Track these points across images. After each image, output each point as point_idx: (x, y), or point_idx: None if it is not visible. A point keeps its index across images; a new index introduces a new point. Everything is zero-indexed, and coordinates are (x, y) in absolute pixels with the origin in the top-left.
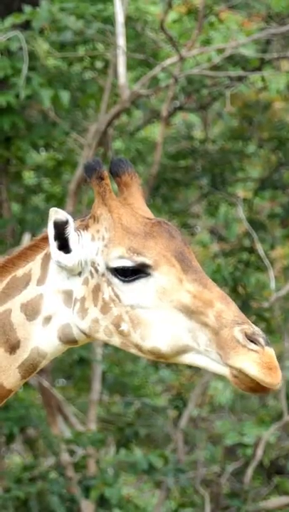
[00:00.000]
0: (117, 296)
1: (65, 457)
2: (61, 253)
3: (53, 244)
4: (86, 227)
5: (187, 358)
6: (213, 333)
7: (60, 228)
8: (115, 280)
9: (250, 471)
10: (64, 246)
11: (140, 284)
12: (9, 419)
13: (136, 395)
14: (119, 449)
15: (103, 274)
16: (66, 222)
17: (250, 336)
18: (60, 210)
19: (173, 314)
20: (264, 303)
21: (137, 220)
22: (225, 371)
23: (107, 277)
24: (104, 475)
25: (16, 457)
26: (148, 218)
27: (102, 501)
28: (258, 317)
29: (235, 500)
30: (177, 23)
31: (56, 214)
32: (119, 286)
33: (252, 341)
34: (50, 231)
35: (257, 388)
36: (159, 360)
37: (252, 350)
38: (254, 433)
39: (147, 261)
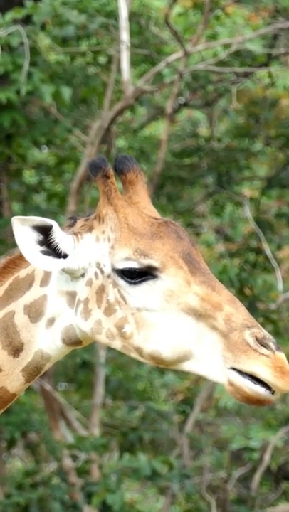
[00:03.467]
0: (123, 298)
1: (68, 462)
2: (46, 258)
3: (31, 250)
4: (90, 229)
5: (187, 366)
6: (222, 336)
7: (45, 233)
8: (121, 282)
9: (257, 477)
10: (54, 250)
11: (147, 286)
12: (10, 423)
13: (140, 399)
14: (123, 454)
15: (109, 276)
16: (50, 227)
17: (261, 340)
18: (34, 217)
19: (180, 317)
20: (271, 304)
21: (143, 219)
22: (223, 379)
23: (112, 279)
24: (106, 481)
25: (18, 462)
26: (154, 218)
27: (105, 508)
28: (265, 319)
29: (242, 506)
30: (182, 17)
31: (32, 221)
32: (125, 288)
33: (262, 345)
34: (23, 239)
35: (252, 400)
36: (159, 366)
37: (263, 354)
38: (261, 437)
39: (154, 263)
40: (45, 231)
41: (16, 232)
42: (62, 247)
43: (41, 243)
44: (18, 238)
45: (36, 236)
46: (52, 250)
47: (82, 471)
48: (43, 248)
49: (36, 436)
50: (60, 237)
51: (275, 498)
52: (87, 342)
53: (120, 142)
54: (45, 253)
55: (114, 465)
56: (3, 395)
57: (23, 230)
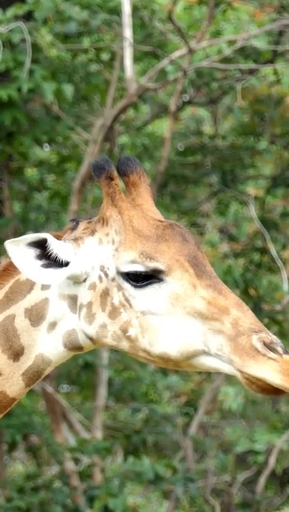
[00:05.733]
0: (127, 301)
1: (70, 466)
2: (48, 271)
3: (31, 268)
4: (92, 232)
5: (197, 362)
6: (229, 340)
7: (42, 246)
8: (126, 285)
9: (262, 480)
10: (55, 261)
11: (152, 290)
12: (11, 426)
13: (143, 401)
14: (127, 457)
15: (113, 279)
16: (45, 241)
17: (269, 345)
18: (26, 236)
19: (186, 321)
20: (276, 305)
21: (148, 222)
22: (237, 371)
23: (117, 282)
24: (109, 485)
25: (19, 466)
26: (159, 220)
27: None
28: (270, 320)
29: (247, 510)
30: (186, 13)
31: (25, 239)
32: (130, 292)
33: (270, 350)
34: (21, 259)
35: (269, 389)
36: (168, 366)
37: (271, 358)
38: (266, 440)
39: (160, 266)
40: (41, 244)
41: (13, 255)
42: (62, 256)
43: (40, 257)
44: (16, 261)
45: (33, 252)
46: (53, 261)
47: (85, 475)
48: (42, 262)
49: (38, 439)
50: (58, 247)
51: (281, 502)
52: (88, 348)
53: (123, 139)
54: (46, 266)
55: (117, 468)
56: (2, 400)
57: (19, 251)
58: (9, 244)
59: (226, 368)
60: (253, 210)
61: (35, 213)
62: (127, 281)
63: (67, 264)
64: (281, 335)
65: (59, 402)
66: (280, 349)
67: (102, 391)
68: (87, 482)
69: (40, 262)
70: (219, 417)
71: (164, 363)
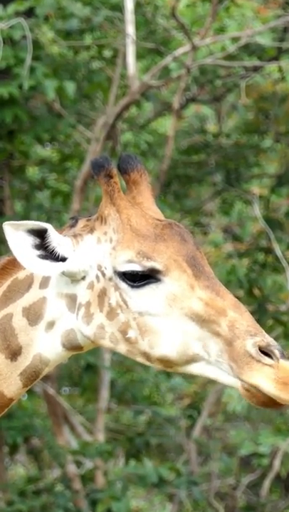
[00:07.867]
0: (124, 301)
1: (72, 469)
2: (44, 262)
3: (27, 255)
4: (91, 230)
5: (197, 368)
6: (226, 344)
7: (41, 237)
8: (123, 285)
9: (267, 483)
10: (51, 254)
11: (150, 290)
12: (12, 428)
13: (146, 403)
14: (129, 460)
15: (110, 278)
16: (45, 231)
17: (265, 348)
18: (28, 222)
19: (183, 322)
20: (281, 306)
21: (146, 221)
22: (236, 383)
23: (114, 281)
24: (111, 488)
25: (20, 469)
26: (158, 220)
27: None
28: (275, 321)
29: None
30: (189, 9)
31: (26, 225)
32: (127, 292)
33: (266, 354)
34: (18, 244)
35: (269, 403)
36: (168, 369)
37: (266, 364)
38: (270, 442)
39: (158, 266)
40: (40, 234)
41: (10, 238)
42: (60, 250)
43: (38, 247)
44: (12, 244)
45: (32, 240)
46: (49, 254)
47: (87, 478)
48: (40, 252)
49: (39, 442)
50: (57, 240)
51: (285, 506)
52: (88, 348)
53: (126, 136)
54: (42, 257)
55: (120, 471)
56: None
57: (17, 235)
58: (7, 226)
59: (226, 379)
60: (257, 210)
61: (36, 212)
62: (124, 281)
63: (64, 259)
64: (285, 336)
65: (61, 405)
66: (277, 352)
67: (105, 393)
68: (89, 485)
69: (38, 252)
70: (223, 419)
71: (163, 366)
